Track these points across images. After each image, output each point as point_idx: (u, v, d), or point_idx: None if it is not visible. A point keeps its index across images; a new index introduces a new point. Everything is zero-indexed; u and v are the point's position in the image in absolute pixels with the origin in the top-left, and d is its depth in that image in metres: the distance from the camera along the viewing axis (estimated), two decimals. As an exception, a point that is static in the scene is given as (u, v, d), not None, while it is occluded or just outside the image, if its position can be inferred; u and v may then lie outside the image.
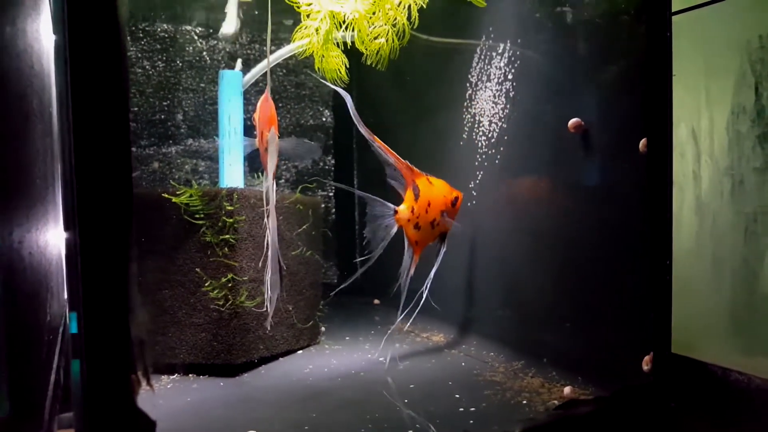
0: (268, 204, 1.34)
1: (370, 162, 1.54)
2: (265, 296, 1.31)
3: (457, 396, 1.26)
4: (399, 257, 1.52)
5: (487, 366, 1.48)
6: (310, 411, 1.18)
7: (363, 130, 1.41)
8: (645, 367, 1.07)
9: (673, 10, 1.05)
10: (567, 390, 1.22)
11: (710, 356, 1.00)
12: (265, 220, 1.35)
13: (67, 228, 0.59)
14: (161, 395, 1.29)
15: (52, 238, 1.01)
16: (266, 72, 1.51)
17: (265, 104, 1.38)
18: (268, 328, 1.43)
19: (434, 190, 1.47)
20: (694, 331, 1.03)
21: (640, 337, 1.10)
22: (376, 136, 1.41)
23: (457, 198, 1.49)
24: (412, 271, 1.47)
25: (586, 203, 1.28)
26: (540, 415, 1.13)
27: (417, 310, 1.50)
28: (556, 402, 1.18)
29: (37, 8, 0.90)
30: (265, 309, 1.35)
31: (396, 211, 1.43)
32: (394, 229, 1.44)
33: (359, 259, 1.45)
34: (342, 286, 1.49)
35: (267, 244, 1.33)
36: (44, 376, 0.84)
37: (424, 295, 1.50)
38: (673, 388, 1.04)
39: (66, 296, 1.14)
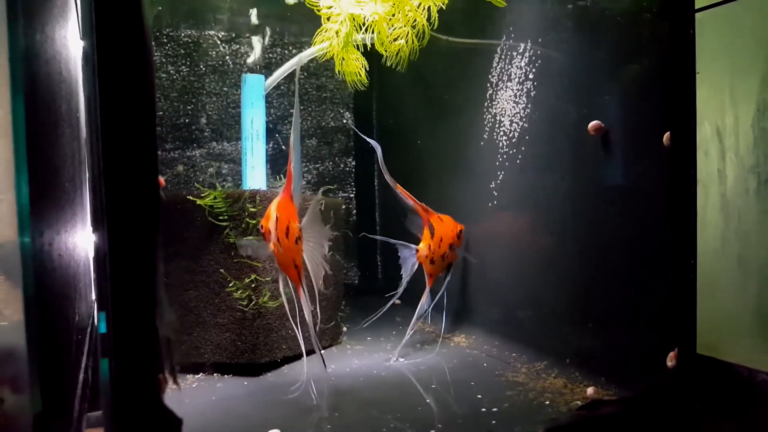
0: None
1: (390, 164, 1.57)
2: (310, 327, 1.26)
3: (480, 396, 1.26)
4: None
5: (509, 366, 1.48)
6: (332, 410, 1.19)
7: (387, 177, 1.54)
8: (669, 363, 1.05)
9: (697, 7, 1.04)
10: (590, 390, 1.22)
11: (736, 357, 0.98)
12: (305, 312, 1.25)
13: (96, 230, 0.60)
14: (187, 394, 1.32)
15: (79, 240, 1.03)
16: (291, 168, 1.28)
17: (285, 205, 1.24)
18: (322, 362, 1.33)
19: (444, 226, 1.60)
20: (719, 331, 1.02)
21: (665, 337, 1.09)
22: (399, 185, 1.56)
23: (461, 231, 1.63)
24: (424, 301, 1.60)
25: (608, 203, 1.27)
26: (563, 415, 1.12)
27: (424, 312, 1.55)
28: (579, 402, 1.17)
29: (64, 15, 0.92)
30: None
31: (417, 250, 1.57)
32: (416, 266, 1.58)
33: (388, 295, 1.61)
34: (372, 317, 1.61)
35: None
36: (73, 375, 0.86)
37: (444, 316, 1.60)
38: (698, 389, 1.03)
39: (93, 297, 1.16)
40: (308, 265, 1.23)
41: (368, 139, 1.59)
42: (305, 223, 1.23)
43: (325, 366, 1.18)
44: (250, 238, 1.41)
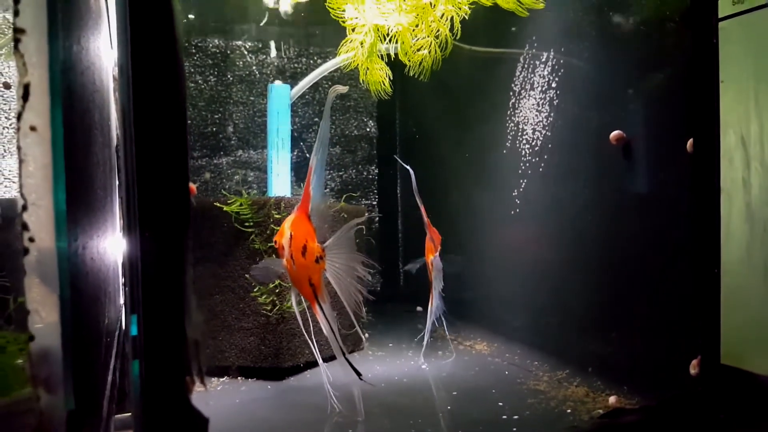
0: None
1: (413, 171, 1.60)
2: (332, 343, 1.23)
3: (501, 404, 1.26)
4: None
5: (530, 375, 1.47)
6: (354, 416, 1.20)
7: (419, 201, 1.61)
8: (692, 371, 1.05)
9: (720, 15, 1.03)
10: (612, 399, 1.21)
11: (762, 367, 0.97)
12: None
13: (128, 235, 0.62)
14: (211, 396, 1.34)
15: (108, 245, 1.06)
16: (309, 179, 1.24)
17: (300, 223, 1.22)
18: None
19: (437, 237, 1.66)
20: (744, 341, 1.01)
21: (688, 347, 1.08)
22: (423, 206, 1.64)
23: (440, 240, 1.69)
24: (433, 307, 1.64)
25: (631, 211, 1.27)
26: (584, 424, 1.12)
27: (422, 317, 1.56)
28: (601, 411, 1.17)
29: (97, 27, 0.96)
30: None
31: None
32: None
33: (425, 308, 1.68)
34: (424, 334, 1.67)
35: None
36: (103, 376, 0.88)
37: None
38: (723, 400, 1.02)
39: (121, 301, 1.19)
40: (336, 288, 1.24)
41: (405, 165, 1.68)
42: (331, 243, 1.23)
43: (360, 377, 1.19)
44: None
